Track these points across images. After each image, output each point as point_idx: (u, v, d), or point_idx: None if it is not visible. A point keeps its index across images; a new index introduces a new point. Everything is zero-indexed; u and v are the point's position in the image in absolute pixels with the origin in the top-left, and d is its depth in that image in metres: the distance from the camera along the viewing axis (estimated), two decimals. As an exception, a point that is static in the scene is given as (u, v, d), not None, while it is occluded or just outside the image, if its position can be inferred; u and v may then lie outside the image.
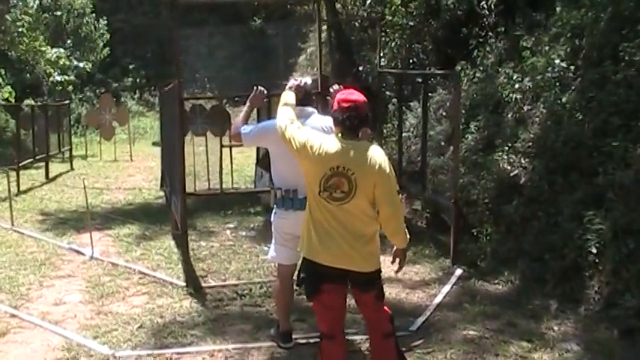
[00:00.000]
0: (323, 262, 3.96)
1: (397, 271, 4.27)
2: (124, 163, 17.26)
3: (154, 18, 25.88)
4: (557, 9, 8.45)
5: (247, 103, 5.17)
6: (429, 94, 10.62)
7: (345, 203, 3.89)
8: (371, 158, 3.90)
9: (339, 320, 4.16)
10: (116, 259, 7.73)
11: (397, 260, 4.18)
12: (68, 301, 6.33)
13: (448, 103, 10.03)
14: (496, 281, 6.34)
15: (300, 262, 4.18)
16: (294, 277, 4.62)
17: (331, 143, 3.94)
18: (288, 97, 4.57)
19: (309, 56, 21.38)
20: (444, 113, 10.21)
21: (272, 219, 5.04)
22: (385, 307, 4.21)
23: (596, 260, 5.62)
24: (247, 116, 5.06)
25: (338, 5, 14.41)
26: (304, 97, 4.96)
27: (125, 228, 9.33)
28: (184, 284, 6.53)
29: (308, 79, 4.91)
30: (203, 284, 6.61)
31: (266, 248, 7.94)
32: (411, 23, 11.96)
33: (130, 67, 25.48)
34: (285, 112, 4.39)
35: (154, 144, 21.63)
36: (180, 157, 6.41)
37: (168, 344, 5.15)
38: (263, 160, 10.77)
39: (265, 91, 5.25)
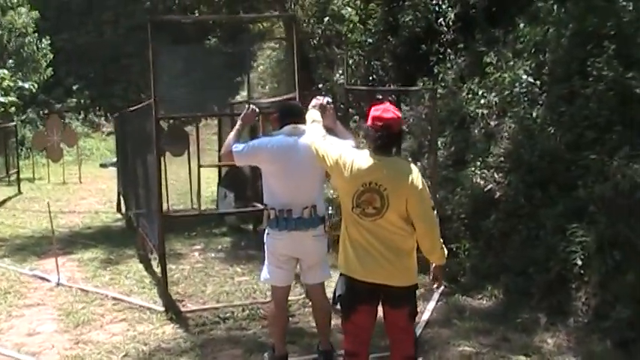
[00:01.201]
0: (360, 278, 3.90)
1: (437, 288, 4.21)
2: (73, 186, 16.84)
3: (98, 37, 25.44)
4: (521, 25, 8.56)
5: (239, 122, 5.07)
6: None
7: (378, 219, 3.85)
8: (403, 174, 3.87)
9: (367, 340, 4.09)
10: (85, 284, 7.47)
11: (435, 278, 4.13)
12: (42, 330, 6.07)
13: (412, 120, 10.10)
14: (480, 296, 6.35)
15: (339, 279, 4.08)
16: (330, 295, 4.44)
17: (363, 159, 3.90)
18: (314, 114, 4.55)
19: (260, 74, 21.32)
20: (405, 129, 10.25)
21: (265, 239, 4.92)
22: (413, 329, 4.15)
23: (582, 272, 5.68)
24: (238, 135, 4.96)
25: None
26: (297, 115, 4.91)
27: (88, 252, 9.07)
28: (163, 309, 6.33)
29: (328, 98, 4.82)
30: (182, 308, 6.43)
31: (239, 270, 7.87)
32: (370, 40, 12.00)
33: (74, 87, 24.93)
34: (316, 129, 4.35)
35: (102, 165, 21.25)
36: (157, 178, 6.23)
37: (158, 373, 4.98)
38: (226, 180, 10.72)
39: (257, 110, 5.16)
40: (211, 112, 14.21)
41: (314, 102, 4.74)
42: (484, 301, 6.29)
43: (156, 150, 6.22)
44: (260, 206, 8.56)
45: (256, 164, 4.97)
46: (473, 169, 7.67)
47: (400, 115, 4.09)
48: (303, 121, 4.83)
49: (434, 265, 4.13)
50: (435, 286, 4.20)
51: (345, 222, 4.05)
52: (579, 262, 5.66)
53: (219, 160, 5.51)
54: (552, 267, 5.93)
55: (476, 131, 8.45)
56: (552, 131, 6.94)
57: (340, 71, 12.26)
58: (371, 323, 4.09)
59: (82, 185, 16.98)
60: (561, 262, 5.87)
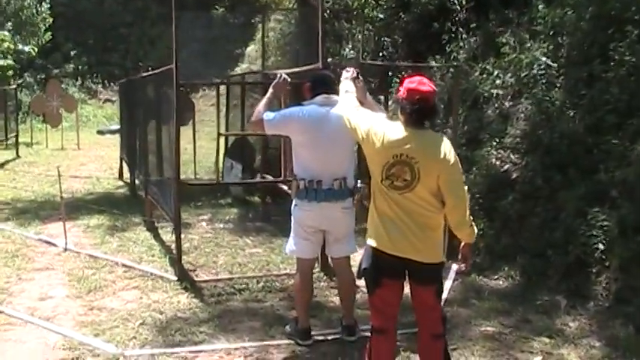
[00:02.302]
0: (387, 251, 3.84)
1: (465, 269, 4.15)
2: (72, 152, 16.70)
3: (98, 4, 25.12)
4: (540, 7, 8.46)
5: (270, 90, 4.97)
6: (400, 89, 10.63)
7: (407, 192, 3.78)
8: (436, 147, 3.78)
9: (394, 316, 4.04)
10: (93, 251, 7.39)
11: (464, 257, 4.08)
12: (54, 295, 6.01)
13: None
14: (496, 277, 6.31)
15: (366, 251, 4.00)
16: (355, 270, 4.40)
17: (395, 131, 3.81)
18: (348, 86, 4.44)
19: (259, 46, 21.09)
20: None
21: (292, 211, 4.85)
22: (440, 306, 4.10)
23: (603, 257, 5.64)
24: (269, 104, 4.86)
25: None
26: (330, 85, 4.82)
27: (94, 218, 8.98)
28: (176, 278, 6.27)
29: (357, 70, 4.72)
30: (195, 278, 6.37)
31: (249, 241, 7.81)
32: (381, 16, 11.87)
33: (72, 53, 24.61)
34: (348, 101, 4.27)
35: (99, 132, 21.09)
36: (176, 145, 6.13)
37: (179, 342, 4.90)
38: (232, 151, 10.62)
39: (289, 79, 5.06)
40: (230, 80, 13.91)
41: (345, 74, 4.65)
42: (500, 282, 6.25)
43: (176, 117, 6.10)
44: (270, 177, 8.60)
45: (287, 134, 4.88)
46: (489, 149, 7.62)
47: (435, 88, 4.01)
48: (335, 92, 4.75)
49: (463, 243, 4.08)
50: (463, 266, 4.14)
51: (373, 194, 3.98)
52: (601, 247, 5.62)
53: (247, 129, 5.33)
54: (571, 250, 5.89)
55: (490, 111, 8.39)
56: (572, 114, 6.88)
57: (350, 45, 12.15)
58: (397, 299, 4.03)
59: (81, 151, 16.83)
60: (581, 245, 5.84)
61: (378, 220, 3.90)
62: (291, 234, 4.91)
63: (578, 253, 5.83)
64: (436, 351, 4.01)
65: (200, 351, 4.77)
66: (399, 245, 3.83)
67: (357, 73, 4.68)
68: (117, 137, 19.71)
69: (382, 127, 3.88)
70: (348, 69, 4.65)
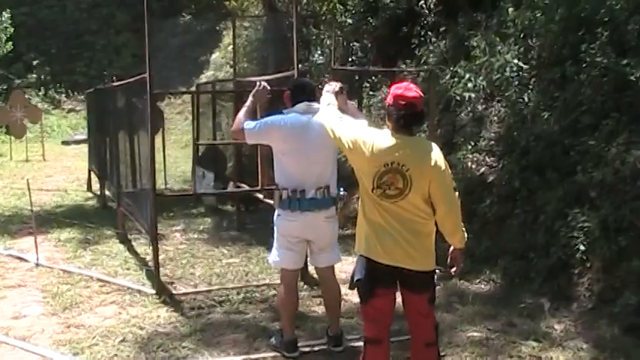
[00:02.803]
0: (380, 260, 3.79)
1: (455, 273, 4.11)
2: (37, 163, 16.37)
3: (60, 12, 24.72)
4: (509, 10, 8.50)
5: (250, 99, 4.89)
6: (370, 93, 10.61)
7: (399, 200, 3.73)
8: (426, 154, 3.75)
9: (388, 326, 3.99)
10: (66, 265, 7.22)
11: (454, 262, 4.04)
12: (28, 313, 5.82)
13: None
14: (477, 281, 6.30)
15: (358, 262, 3.94)
16: (349, 279, 4.30)
17: (384, 139, 3.76)
18: (329, 98, 4.41)
19: (224, 53, 20.96)
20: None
21: (275, 221, 4.76)
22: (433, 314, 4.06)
23: (584, 257, 5.66)
24: (249, 112, 4.78)
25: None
26: (310, 93, 4.76)
27: (64, 232, 8.78)
28: (154, 292, 6.13)
29: (340, 84, 4.67)
30: (174, 291, 6.25)
31: (225, 252, 7.70)
32: (350, 21, 11.85)
33: (34, 62, 24.16)
34: (331, 112, 4.22)
35: (64, 143, 20.73)
36: (151, 156, 6.01)
37: (162, 359, 4.79)
38: (204, 160, 10.49)
39: (269, 87, 4.98)
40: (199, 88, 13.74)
41: (327, 87, 4.61)
42: (482, 286, 6.24)
43: (151, 127, 5.98)
44: (245, 186, 8.50)
45: (268, 143, 4.80)
46: (464, 152, 7.62)
47: (422, 94, 3.98)
48: (316, 99, 4.72)
49: (452, 248, 4.05)
50: (454, 270, 4.10)
51: (363, 203, 3.94)
52: (582, 248, 5.63)
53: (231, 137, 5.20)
54: (553, 252, 5.90)
55: (463, 115, 8.41)
56: (546, 116, 6.91)
57: (319, 51, 12.11)
58: (391, 308, 3.99)
59: (46, 163, 16.51)
60: (562, 247, 5.85)
61: (370, 230, 3.85)
62: (275, 245, 4.82)
63: (560, 255, 5.84)
64: (430, 358, 3.97)
65: (184, 367, 4.67)
66: (393, 254, 3.78)
67: (341, 88, 4.64)
68: (83, 147, 19.39)
69: (371, 136, 3.83)
70: (330, 83, 4.61)
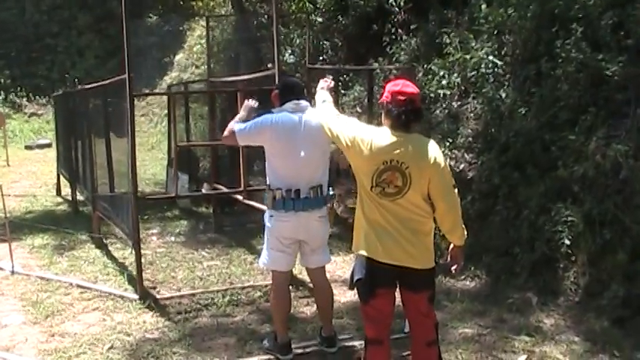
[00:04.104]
0: (381, 260, 3.76)
1: (456, 271, 4.10)
2: (1, 169, 15.98)
3: (19, 15, 24.23)
4: (483, 7, 8.54)
5: (242, 112, 4.83)
6: (342, 92, 10.59)
7: (398, 198, 3.72)
8: (426, 151, 3.73)
9: (388, 325, 3.98)
10: (43, 272, 7.06)
11: (454, 259, 4.04)
12: (9, 323, 5.67)
13: (366, 100, 10.03)
14: (462, 277, 6.32)
15: (357, 261, 3.92)
16: (348, 279, 4.27)
17: (383, 136, 3.74)
18: (324, 95, 4.38)
19: (188, 54, 20.77)
20: (359, 110, 10.18)
21: (267, 222, 4.71)
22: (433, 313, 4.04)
23: (569, 252, 5.71)
24: (242, 122, 4.71)
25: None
26: (299, 92, 4.72)
27: (37, 238, 8.58)
28: (137, 297, 6.03)
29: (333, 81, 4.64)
30: (158, 296, 6.15)
31: (205, 254, 7.62)
32: (320, 20, 11.84)
33: (-6, 66, 23.70)
34: (328, 109, 4.19)
35: (27, 147, 20.34)
36: (132, 159, 5.91)
37: (154, 365, 4.72)
38: (178, 162, 10.36)
39: (256, 105, 4.89)
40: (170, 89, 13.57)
41: (322, 83, 4.58)
42: (468, 282, 6.27)
43: (130, 129, 5.88)
44: (222, 188, 8.42)
45: (260, 143, 4.71)
46: (442, 149, 7.59)
47: (419, 90, 3.98)
48: (304, 98, 4.71)
49: (452, 246, 4.05)
50: (454, 268, 4.10)
51: (361, 202, 3.92)
52: (567, 242, 5.68)
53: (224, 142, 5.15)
54: (537, 247, 5.94)
55: (438, 112, 8.44)
56: (523, 112, 6.95)
57: (290, 50, 12.05)
58: (391, 307, 3.98)
59: (10, 168, 16.15)
60: (546, 241, 5.89)
61: (369, 229, 3.82)
62: (265, 246, 4.77)
63: (545, 250, 5.89)
64: (431, 357, 3.97)
65: (177, 373, 4.59)
66: (393, 253, 3.76)
67: (330, 83, 4.62)
68: (47, 152, 19.11)
69: (369, 134, 3.80)
70: (325, 79, 4.57)
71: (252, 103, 4.91)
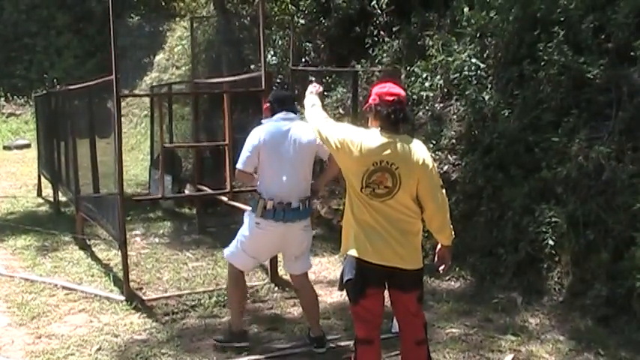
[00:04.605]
0: (371, 260, 3.80)
1: (443, 270, 4.14)
2: (-20, 170, 15.88)
3: (-4, 14, 24.04)
4: (465, 9, 8.61)
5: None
6: (325, 94, 10.62)
7: (388, 199, 3.76)
8: (415, 152, 3.79)
9: (378, 325, 4.01)
10: (27, 274, 7.02)
11: (442, 259, 4.08)
12: (-6, 325, 5.66)
13: (349, 102, 10.08)
14: (447, 278, 6.37)
15: (347, 262, 3.95)
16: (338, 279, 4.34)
17: (373, 138, 3.78)
18: (313, 99, 4.40)
19: (169, 55, 20.67)
20: (342, 112, 10.23)
21: (250, 227, 4.76)
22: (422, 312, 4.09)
23: (553, 252, 5.79)
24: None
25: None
26: (289, 104, 4.88)
27: (20, 239, 8.53)
28: (123, 298, 6.01)
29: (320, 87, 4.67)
30: (144, 297, 6.15)
31: (190, 255, 7.62)
32: (302, 21, 11.86)
33: (-30, 66, 23.43)
34: (317, 113, 4.22)
35: (6, 148, 20.16)
36: (118, 160, 5.90)
37: (143, 366, 4.72)
38: (159, 162, 10.33)
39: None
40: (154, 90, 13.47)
41: (311, 88, 4.61)
42: (452, 283, 6.33)
43: (118, 130, 5.87)
44: (207, 190, 8.41)
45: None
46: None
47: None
48: (294, 110, 4.87)
49: (440, 246, 4.10)
50: (442, 267, 4.15)
51: (350, 203, 3.95)
52: (551, 242, 5.76)
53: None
54: (521, 247, 6.01)
55: (421, 113, 8.50)
56: (506, 114, 7.02)
57: (272, 52, 12.06)
58: (381, 308, 4.02)
59: (-11, 169, 16.02)
60: (530, 242, 5.97)
61: (359, 230, 3.86)
62: (237, 243, 4.85)
63: (529, 250, 5.97)
64: (421, 357, 4.02)
65: (167, 374, 4.60)
66: (383, 254, 3.80)
67: (319, 89, 4.65)
68: (26, 152, 18.96)
69: (359, 135, 3.84)
70: (314, 84, 4.60)
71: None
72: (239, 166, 4.75)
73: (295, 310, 5.68)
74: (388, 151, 3.75)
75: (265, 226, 4.68)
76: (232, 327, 4.99)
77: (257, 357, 4.80)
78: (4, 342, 5.25)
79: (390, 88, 3.89)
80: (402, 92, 3.92)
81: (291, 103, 4.91)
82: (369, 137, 3.81)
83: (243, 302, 5.09)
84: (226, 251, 5.00)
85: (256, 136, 4.73)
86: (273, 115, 4.84)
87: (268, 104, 4.93)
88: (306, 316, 5.04)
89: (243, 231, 4.84)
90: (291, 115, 4.80)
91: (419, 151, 3.82)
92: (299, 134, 4.69)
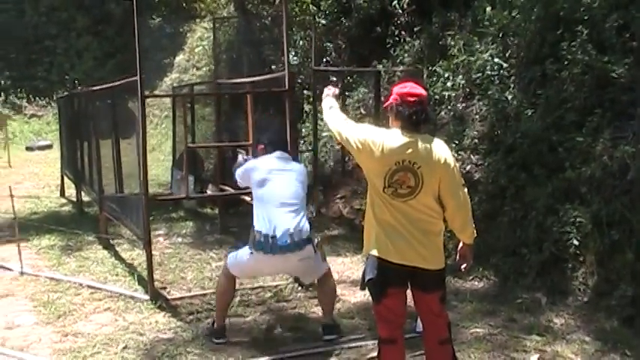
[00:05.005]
0: (394, 260, 3.81)
1: (465, 269, 4.15)
2: (3, 170, 16.03)
3: (18, 16, 24.23)
4: (488, 9, 8.59)
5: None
6: (346, 93, 10.63)
7: (410, 199, 3.77)
8: (436, 151, 3.79)
9: (401, 325, 4.02)
10: (52, 273, 7.09)
11: (464, 258, 4.09)
12: (21, 323, 5.70)
13: (371, 102, 10.10)
14: (470, 278, 6.36)
15: (369, 262, 3.97)
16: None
17: (395, 138, 3.79)
18: (331, 102, 4.40)
19: (189, 55, 20.77)
20: (363, 112, 10.23)
21: (245, 255, 4.94)
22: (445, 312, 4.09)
23: (577, 252, 5.76)
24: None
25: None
26: (283, 145, 5.37)
27: (44, 239, 8.62)
28: (148, 297, 6.06)
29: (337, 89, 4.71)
30: (168, 296, 6.19)
31: (213, 255, 7.65)
32: (323, 22, 11.89)
33: (-7, 68, 23.71)
34: (336, 114, 4.22)
35: (28, 149, 20.37)
36: (143, 160, 5.94)
37: (169, 365, 4.75)
38: (181, 162, 10.38)
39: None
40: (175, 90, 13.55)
41: (327, 91, 4.61)
42: (476, 283, 6.32)
43: (142, 130, 5.91)
44: (230, 190, 8.44)
45: (249, 185, 5.19)
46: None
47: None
48: (287, 150, 5.38)
49: (462, 244, 4.10)
50: (464, 266, 4.15)
51: (372, 203, 3.96)
52: (575, 242, 5.74)
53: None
54: (545, 247, 5.99)
55: (443, 113, 8.49)
56: (529, 114, 7.00)
57: (293, 52, 12.09)
58: (404, 307, 4.03)
59: (12, 169, 16.18)
60: (554, 242, 5.95)
61: (380, 230, 3.87)
62: (241, 256, 5.01)
63: (553, 250, 5.94)
64: (445, 356, 4.02)
65: (194, 372, 4.63)
66: (405, 254, 3.81)
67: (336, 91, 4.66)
68: (48, 153, 19.15)
69: (380, 136, 3.85)
70: (329, 87, 4.60)
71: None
72: (237, 177, 5.32)
73: (319, 310, 5.67)
74: (410, 151, 3.76)
75: (257, 256, 4.85)
76: (216, 323, 5.21)
77: (280, 356, 4.81)
78: (31, 340, 5.31)
79: (412, 88, 3.89)
80: (424, 92, 3.91)
81: (285, 142, 5.47)
82: (391, 137, 3.82)
83: (230, 300, 5.31)
84: (230, 258, 5.16)
85: (253, 164, 5.17)
86: (266, 153, 5.25)
87: (262, 146, 5.33)
88: (319, 303, 5.25)
89: (244, 252, 4.98)
90: (286, 154, 5.23)
91: (440, 149, 3.82)
92: (291, 171, 5.07)
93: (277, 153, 5.18)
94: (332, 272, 5.31)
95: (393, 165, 3.77)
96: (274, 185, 4.94)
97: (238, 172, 5.30)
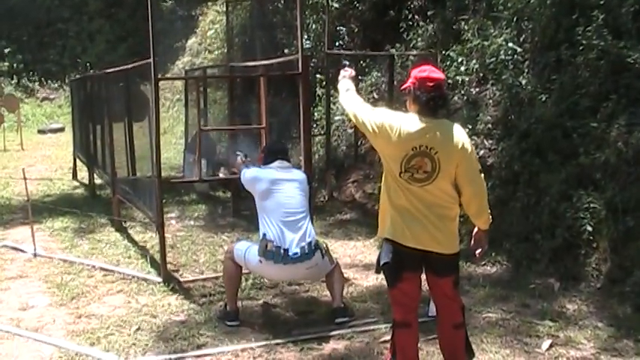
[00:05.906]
0: (408, 244, 3.80)
1: (480, 255, 4.14)
2: (16, 153, 16.12)
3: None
4: (501, -6, 8.51)
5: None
6: (359, 77, 10.60)
7: (427, 184, 3.75)
8: (454, 137, 3.77)
9: (415, 309, 4.03)
10: (65, 255, 7.13)
11: (479, 243, 4.07)
12: (35, 304, 5.74)
13: (383, 86, 10.07)
14: (483, 263, 6.35)
15: (384, 246, 3.98)
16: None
17: (412, 122, 3.77)
18: (347, 84, 4.35)
19: (201, 39, 20.73)
20: (376, 96, 10.20)
21: (254, 261, 5.01)
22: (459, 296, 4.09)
23: (591, 238, 5.74)
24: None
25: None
26: (283, 155, 5.37)
27: (57, 221, 8.68)
28: (161, 280, 6.09)
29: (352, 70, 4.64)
30: (181, 279, 6.22)
31: (225, 238, 7.67)
32: (336, 5, 11.83)
33: (6, 51, 23.71)
34: (352, 97, 4.19)
35: (40, 132, 20.44)
36: (156, 143, 5.95)
37: (182, 347, 4.75)
38: (194, 145, 10.38)
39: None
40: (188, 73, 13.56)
41: (343, 72, 4.57)
42: (489, 268, 6.31)
43: (155, 113, 5.91)
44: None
45: (253, 192, 5.20)
46: (463, 136, 7.66)
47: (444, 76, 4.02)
48: (287, 159, 5.37)
49: (476, 230, 4.09)
50: (478, 252, 4.14)
51: (387, 188, 3.95)
52: (589, 228, 5.71)
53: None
54: (559, 233, 5.97)
55: (457, 98, 8.44)
56: (544, 99, 6.95)
57: (305, 36, 12.05)
58: (418, 291, 4.03)
59: (25, 152, 16.26)
60: (568, 228, 5.93)
61: (395, 214, 3.86)
62: (249, 258, 5.05)
63: (566, 236, 5.92)
64: (458, 340, 4.03)
65: (206, 355, 4.63)
66: (421, 238, 3.80)
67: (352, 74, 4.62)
68: (60, 136, 19.22)
69: (397, 120, 3.82)
70: (346, 69, 4.57)
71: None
72: (242, 174, 5.30)
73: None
74: (428, 136, 3.74)
75: (266, 264, 4.93)
76: (228, 306, 5.25)
77: (293, 339, 4.82)
78: (45, 321, 5.35)
79: (431, 72, 3.87)
80: (442, 77, 3.90)
81: (285, 154, 5.42)
82: (408, 121, 3.80)
83: (238, 284, 5.31)
84: (238, 250, 5.17)
85: (254, 174, 5.20)
86: (265, 163, 5.32)
87: (262, 155, 5.44)
88: (329, 291, 5.28)
89: (253, 256, 5.00)
90: (286, 163, 5.28)
91: (458, 135, 3.80)
92: (293, 180, 5.14)
93: (277, 162, 5.26)
94: (341, 265, 5.51)
95: (410, 150, 3.75)
96: (279, 197, 5.02)
97: (243, 172, 5.32)
